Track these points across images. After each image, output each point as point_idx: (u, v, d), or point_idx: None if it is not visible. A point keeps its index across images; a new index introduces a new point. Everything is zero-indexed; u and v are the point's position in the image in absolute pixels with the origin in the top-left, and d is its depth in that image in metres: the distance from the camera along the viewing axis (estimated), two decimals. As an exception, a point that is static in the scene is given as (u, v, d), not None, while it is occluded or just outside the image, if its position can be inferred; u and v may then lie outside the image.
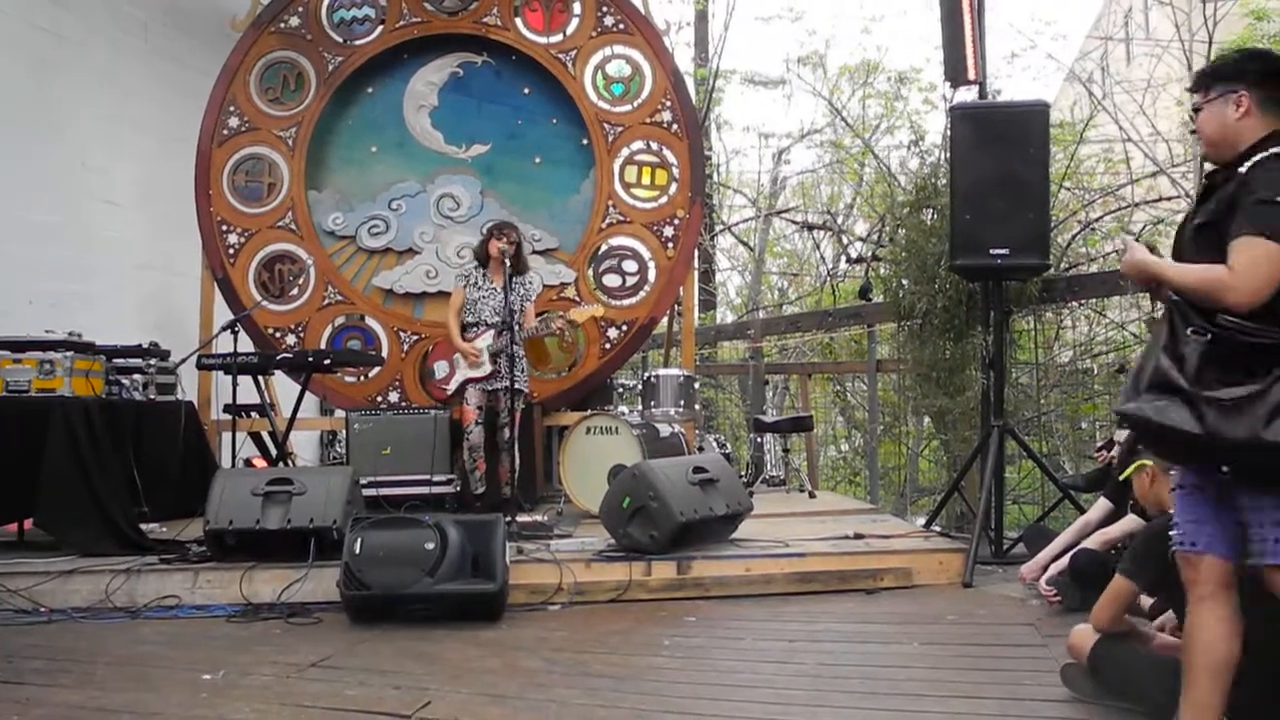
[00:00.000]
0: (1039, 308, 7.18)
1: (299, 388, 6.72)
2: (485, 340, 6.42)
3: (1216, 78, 2.65)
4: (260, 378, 6.89)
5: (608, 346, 7.57)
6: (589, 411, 7.03)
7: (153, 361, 6.53)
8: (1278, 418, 2.34)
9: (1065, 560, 4.57)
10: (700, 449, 7.64)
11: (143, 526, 5.65)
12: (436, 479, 6.58)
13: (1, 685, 3.65)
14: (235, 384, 6.15)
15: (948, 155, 6.36)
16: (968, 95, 6.36)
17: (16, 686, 3.63)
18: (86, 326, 6.19)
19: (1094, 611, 3.16)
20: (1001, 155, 5.41)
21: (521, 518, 5.83)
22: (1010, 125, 5.51)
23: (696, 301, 8.67)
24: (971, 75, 6.00)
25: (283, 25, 7.83)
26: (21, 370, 5.67)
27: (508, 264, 6.43)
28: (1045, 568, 4.71)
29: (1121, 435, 4.70)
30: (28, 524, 5.76)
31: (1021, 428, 7.09)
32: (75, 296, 7.30)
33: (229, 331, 6.21)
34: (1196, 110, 2.68)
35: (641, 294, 7.61)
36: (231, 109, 7.74)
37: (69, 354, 5.75)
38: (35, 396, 5.63)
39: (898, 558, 5.17)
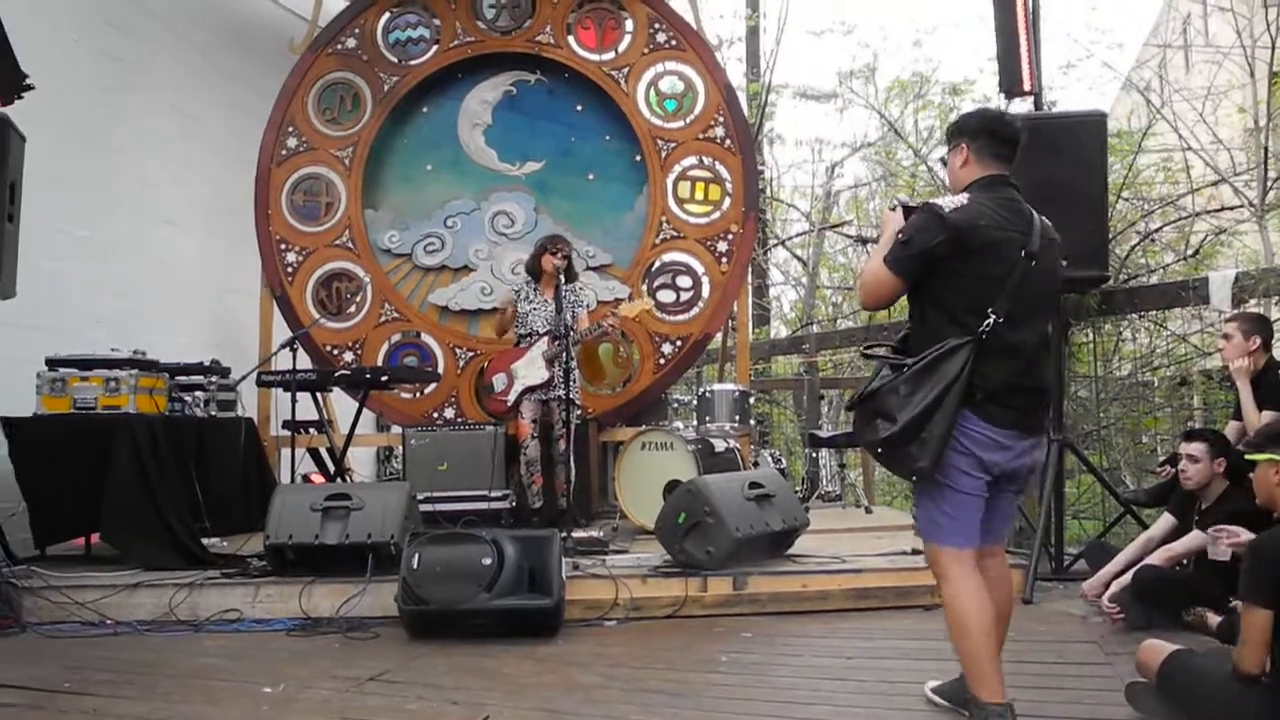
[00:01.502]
0: (1098, 320, 7.06)
1: (357, 404, 6.80)
2: (541, 346, 6.48)
3: (950, 133, 3.20)
4: (319, 394, 6.95)
5: (662, 362, 7.57)
6: (644, 427, 7.03)
7: (214, 379, 6.65)
8: (874, 420, 2.98)
9: (1128, 577, 4.51)
10: (755, 464, 7.60)
11: (204, 541, 5.75)
12: (493, 494, 6.60)
13: (70, 696, 3.72)
14: (294, 401, 6.23)
15: (1003, 167, 6.27)
16: (1023, 107, 6.29)
17: (84, 697, 3.70)
18: (149, 344, 6.32)
19: (1240, 657, 2.93)
20: (1058, 167, 5.34)
21: (577, 533, 5.83)
22: (1067, 136, 5.45)
23: (750, 316, 8.64)
24: (1027, 86, 5.92)
25: (340, 47, 7.95)
26: (89, 388, 5.80)
27: (561, 278, 6.49)
28: (1107, 584, 4.64)
29: (1188, 449, 4.60)
30: (94, 538, 5.89)
31: (1081, 442, 6.96)
32: (138, 314, 7.44)
33: (288, 349, 6.29)
34: (944, 162, 3.22)
35: (696, 309, 7.62)
36: (290, 129, 7.87)
37: (134, 372, 5.88)
38: (102, 413, 5.76)
39: (956, 574, 5.09)
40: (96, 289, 7.22)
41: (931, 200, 3.06)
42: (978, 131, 3.12)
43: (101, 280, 7.26)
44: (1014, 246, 2.97)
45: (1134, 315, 7.44)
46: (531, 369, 6.50)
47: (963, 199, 3.03)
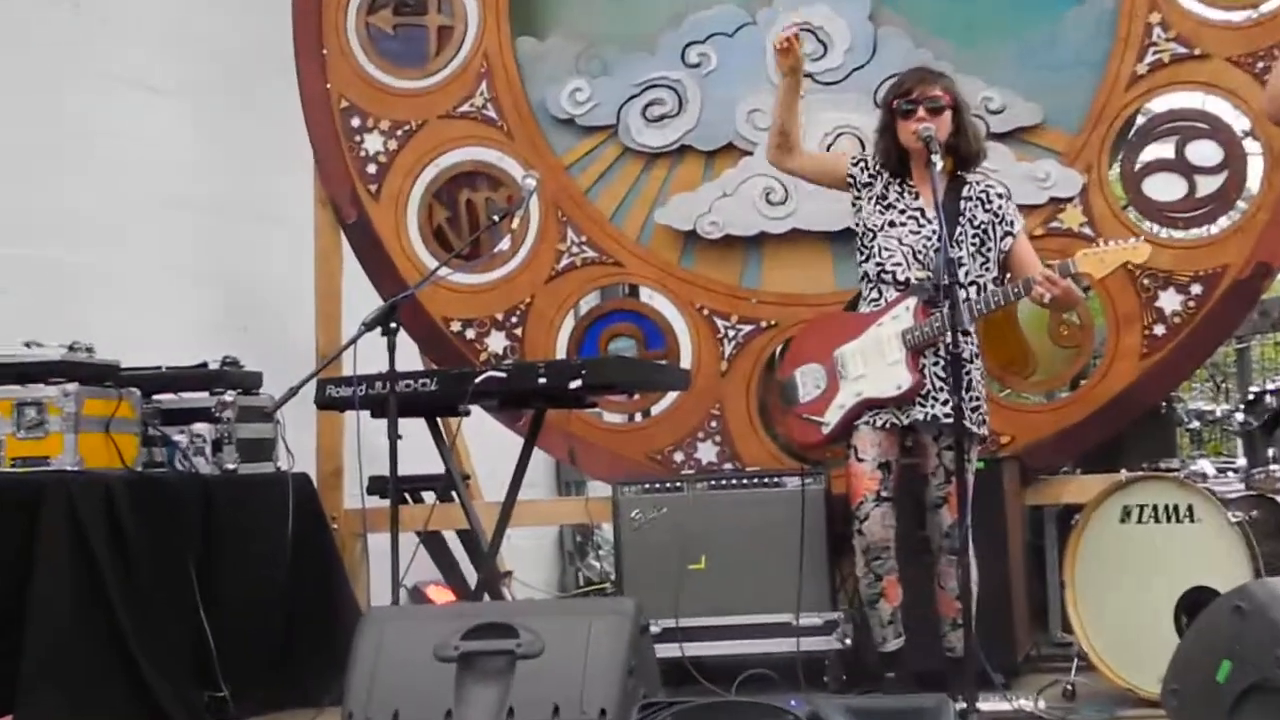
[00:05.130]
0: None
1: (519, 440, 6.84)
2: (900, 317, 6.34)
3: None
4: (439, 422, 6.99)
5: (1160, 332, 7.37)
6: (1123, 473, 6.85)
7: (229, 397, 6.79)
8: None
9: None
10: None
11: (220, 723, 5.89)
12: (805, 623, 6.60)
13: None
14: (394, 437, 6.23)
15: None
16: None
17: None
18: (104, 330, 6.54)
19: None
20: None
21: (989, 703, 5.80)
22: None
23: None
24: None
25: None
26: (-16, 423, 6.02)
27: (937, 159, 6.27)
28: None
29: None
30: (7, 720, 6.07)
31: None
32: (80, 271, 7.66)
33: (378, 330, 6.30)
34: None
35: (1232, 215, 7.51)
36: (358, -116, 8.10)
37: (72, 388, 6.05)
38: (14, 473, 5.95)
39: None
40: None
41: None
42: None
43: (9, 201, 7.49)
44: None
45: None
46: (876, 364, 6.38)
47: None
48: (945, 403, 6.08)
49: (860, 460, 6.33)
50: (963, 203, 6.35)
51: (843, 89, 7.74)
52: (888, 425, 6.32)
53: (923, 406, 6.26)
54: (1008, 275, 6.45)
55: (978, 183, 6.50)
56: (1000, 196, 6.55)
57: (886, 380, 6.31)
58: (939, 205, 6.11)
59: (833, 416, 6.42)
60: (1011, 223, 6.53)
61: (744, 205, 7.78)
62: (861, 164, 6.56)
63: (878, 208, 6.49)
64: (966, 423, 6.02)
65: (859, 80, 7.68)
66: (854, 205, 6.57)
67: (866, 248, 6.49)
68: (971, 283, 6.21)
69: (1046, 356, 7.59)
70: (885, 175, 6.52)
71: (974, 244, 6.35)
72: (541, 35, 8.04)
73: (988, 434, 6.57)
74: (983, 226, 6.40)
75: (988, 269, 6.37)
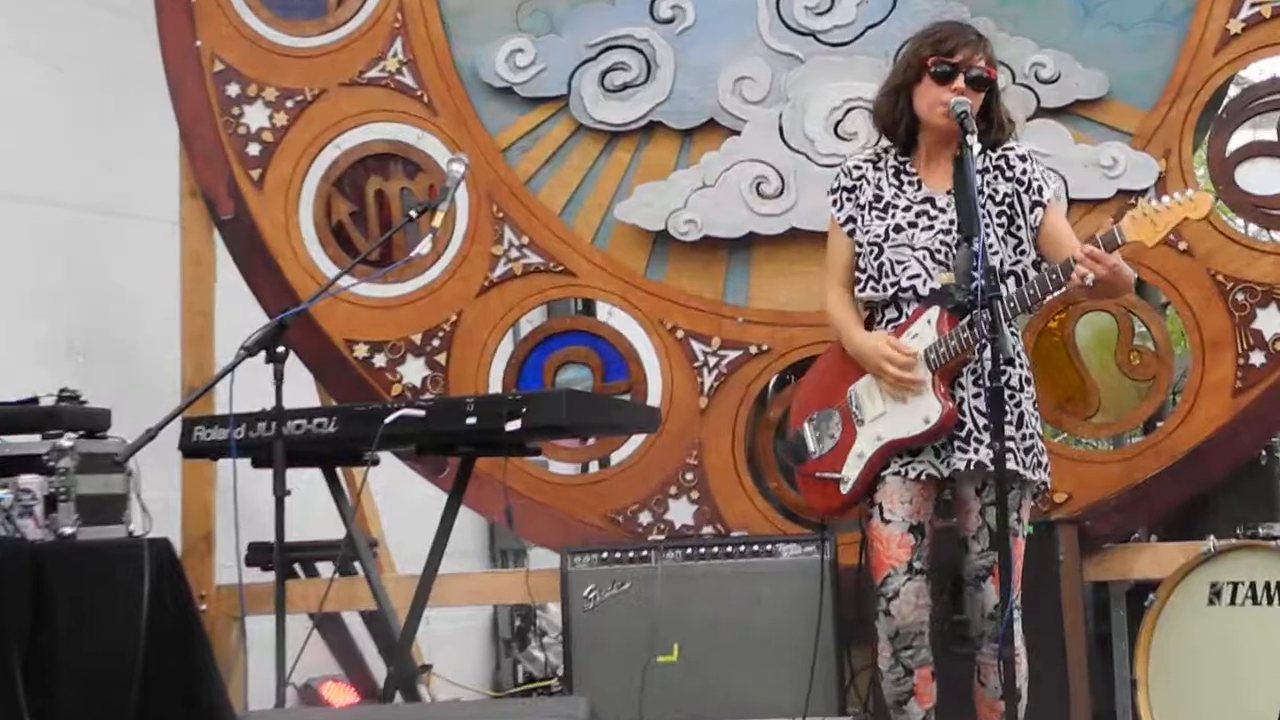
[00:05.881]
0: None
1: (441, 497, 6.82)
2: (924, 332, 6.28)
3: None
4: (339, 474, 6.94)
5: (1258, 361, 7.35)
6: (1211, 541, 6.85)
7: (67, 441, 6.74)
8: None
9: None
10: None
11: None
12: None
13: None
14: (281, 493, 6.24)
15: None
16: None
17: None
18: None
19: None
20: None
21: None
22: None
23: None
24: None
25: None
26: None
27: (973, 141, 6.22)
28: None
29: None
30: None
31: None
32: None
33: (261, 357, 6.31)
34: None
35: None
36: None
37: None
38: None
39: None
40: None
41: None
42: None
43: None
44: None
45: None
46: (897, 396, 6.34)
47: None
48: (984, 448, 5.99)
49: (886, 521, 6.25)
50: (990, 182, 6.28)
51: (853, 51, 7.80)
52: (923, 477, 6.26)
53: (964, 451, 6.17)
54: (1043, 262, 6.37)
55: (1002, 156, 6.43)
56: (1022, 159, 6.48)
57: (912, 415, 6.24)
58: (963, 187, 6.01)
59: (852, 471, 6.34)
60: (1040, 189, 6.44)
61: (729, 198, 7.79)
62: (836, 193, 6.55)
63: (874, 215, 6.44)
64: (1017, 467, 5.96)
65: (873, 41, 7.72)
66: (842, 204, 6.52)
67: (869, 269, 6.42)
68: (1009, 273, 6.16)
69: (1113, 392, 7.58)
70: (869, 171, 6.52)
71: (1001, 224, 6.28)
72: (470, -16, 8.05)
73: (1047, 481, 6.45)
74: (1007, 199, 6.32)
75: (1023, 252, 6.30)
